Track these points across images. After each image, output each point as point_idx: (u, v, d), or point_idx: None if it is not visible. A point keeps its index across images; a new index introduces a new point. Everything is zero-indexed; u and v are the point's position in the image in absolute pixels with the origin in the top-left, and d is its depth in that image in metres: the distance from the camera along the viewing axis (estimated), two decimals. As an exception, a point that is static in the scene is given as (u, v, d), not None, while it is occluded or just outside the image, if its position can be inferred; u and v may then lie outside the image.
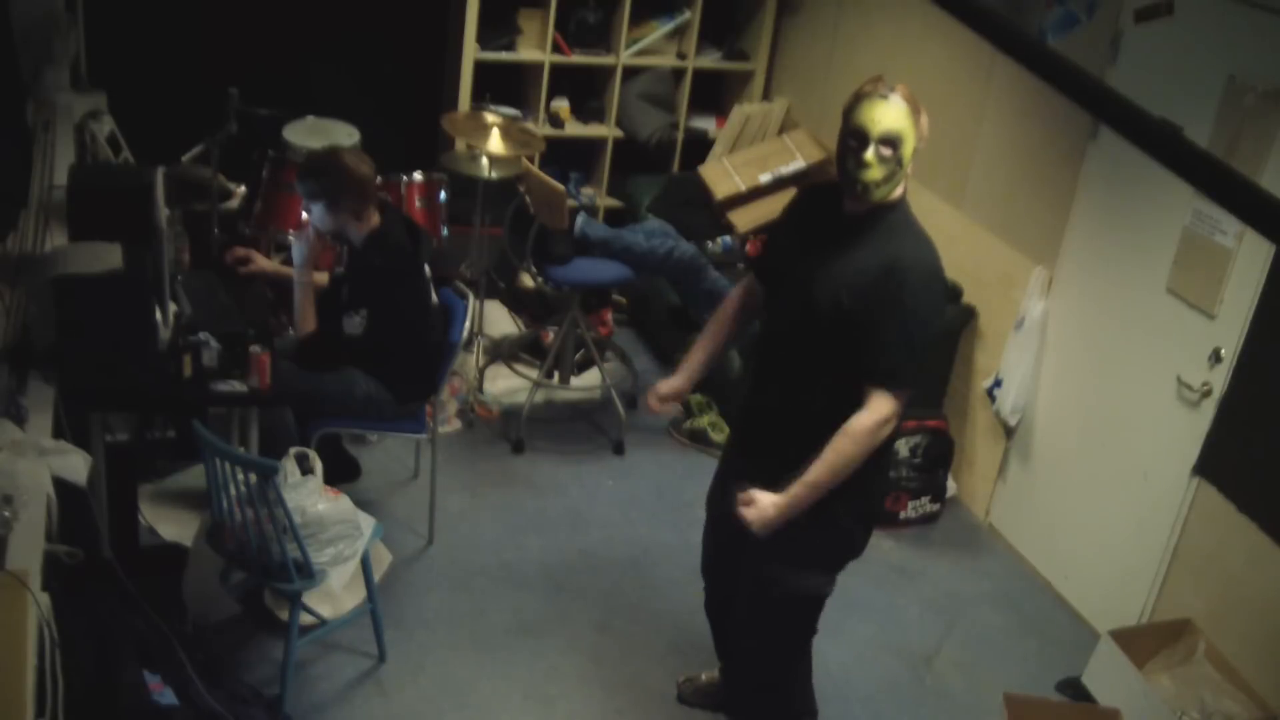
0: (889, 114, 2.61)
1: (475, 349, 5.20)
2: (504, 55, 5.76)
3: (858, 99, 2.66)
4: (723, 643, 3.46)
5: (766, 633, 3.13)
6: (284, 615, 3.52)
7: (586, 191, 6.22)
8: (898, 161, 2.64)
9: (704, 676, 3.66)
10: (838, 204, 2.77)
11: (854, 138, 2.64)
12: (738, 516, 2.83)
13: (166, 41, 5.22)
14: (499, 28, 5.71)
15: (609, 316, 5.67)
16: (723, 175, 5.67)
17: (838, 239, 2.74)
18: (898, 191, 2.72)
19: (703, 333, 3.21)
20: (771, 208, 5.56)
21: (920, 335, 2.70)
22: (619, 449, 4.92)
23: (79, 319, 3.08)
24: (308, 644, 3.57)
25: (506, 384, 5.20)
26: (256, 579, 3.42)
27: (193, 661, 2.79)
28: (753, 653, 3.22)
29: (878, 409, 2.70)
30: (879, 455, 2.92)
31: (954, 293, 4.69)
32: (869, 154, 2.62)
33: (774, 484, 2.96)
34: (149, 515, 3.93)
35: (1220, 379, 3.68)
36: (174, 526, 3.95)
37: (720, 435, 4.90)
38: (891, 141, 2.62)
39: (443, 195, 4.81)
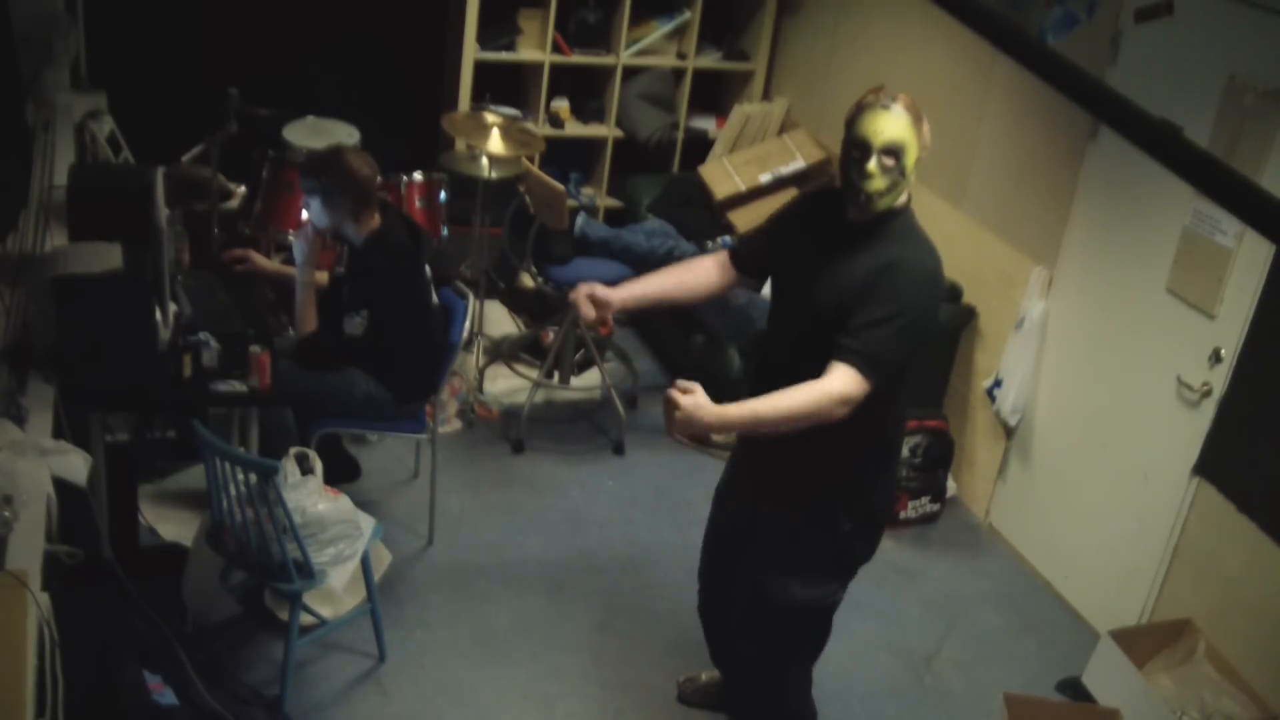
0: (891, 124, 2.61)
1: (475, 349, 5.20)
2: (504, 55, 5.76)
3: (860, 110, 2.66)
4: (716, 648, 3.44)
5: (764, 640, 3.12)
6: (284, 615, 3.52)
7: (586, 191, 6.22)
8: (900, 171, 2.64)
9: (704, 676, 3.66)
10: (841, 211, 2.76)
11: (857, 148, 2.64)
12: (671, 417, 2.63)
13: (166, 41, 5.22)
14: (499, 28, 5.71)
15: (609, 316, 5.66)
16: (723, 175, 5.67)
17: (842, 246, 2.73)
18: (901, 199, 2.72)
19: (663, 272, 3.11)
20: (771, 208, 5.55)
21: (900, 328, 2.62)
22: (619, 449, 4.92)
23: (79, 319, 3.08)
24: (308, 644, 3.57)
25: (506, 384, 5.20)
26: (256, 579, 3.42)
27: (193, 661, 2.79)
28: (751, 659, 3.20)
29: (836, 381, 2.60)
30: (878, 457, 2.91)
31: (954, 293, 4.69)
32: (872, 164, 2.62)
33: (772, 487, 2.96)
34: (149, 515, 3.93)
35: (1220, 379, 3.68)
36: (174, 526, 3.95)
37: (720, 435, 4.90)
38: (894, 152, 2.62)
39: (443, 195, 4.81)
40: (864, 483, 2.89)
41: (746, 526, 3.06)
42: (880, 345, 2.62)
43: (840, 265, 2.71)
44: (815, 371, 2.74)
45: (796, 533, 2.90)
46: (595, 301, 3.00)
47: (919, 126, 2.65)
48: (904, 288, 2.63)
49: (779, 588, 2.95)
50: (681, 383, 2.64)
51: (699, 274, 3.07)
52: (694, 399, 2.60)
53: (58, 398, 3.02)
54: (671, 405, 2.61)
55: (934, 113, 2.81)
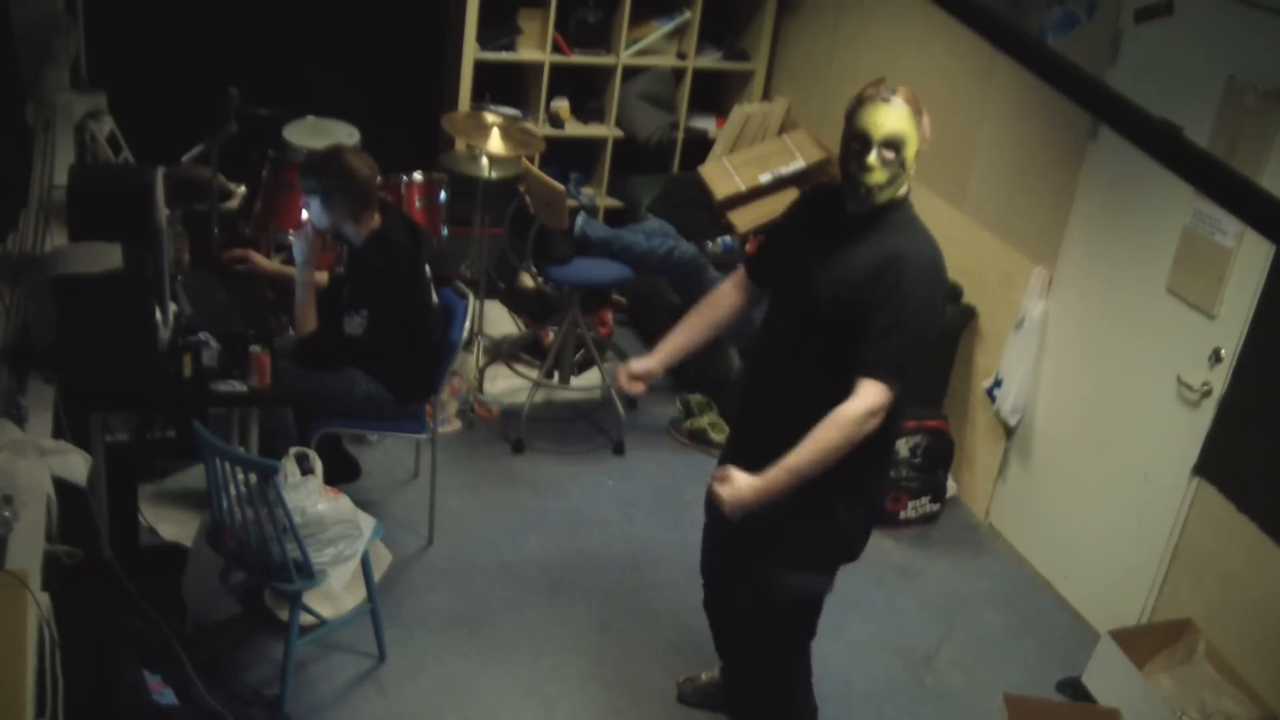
0: (891, 117, 2.62)
1: (475, 349, 5.20)
2: (504, 55, 5.76)
3: (860, 103, 2.66)
4: (722, 640, 3.46)
5: (766, 634, 3.13)
6: (284, 615, 3.52)
7: (586, 191, 6.22)
8: (900, 164, 2.65)
9: (704, 676, 3.66)
10: (841, 205, 2.77)
11: (857, 141, 2.65)
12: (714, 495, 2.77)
13: (166, 41, 5.22)
14: (499, 28, 5.71)
15: (609, 316, 5.67)
16: (723, 175, 5.67)
17: (840, 239, 2.74)
18: (901, 192, 2.72)
19: (685, 319, 3.15)
20: (771, 208, 5.56)
21: (914, 328, 2.67)
22: (619, 449, 4.92)
23: (79, 319, 3.08)
24: (308, 644, 3.57)
25: (506, 384, 5.20)
26: (256, 579, 3.42)
27: (193, 661, 2.79)
28: (752, 654, 3.22)
29: (865, 398, 2.65)
30: (878, 454, 2.91)
31: (954, 293, 4.69)
32: (872, 157, 2.62)
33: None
34: (149, 515, 3.93)
35: (1220, 379, 3.68)
36: (174, 526, 3.95)
37: (720, 435, 4.91)
38: (894, 144, 2.62)
39: (443, 195, 4.81)
40: (862, 479, 2.89)
41: (743, 521, 3.06)
42: (901, 353, 2.67)
43: (839, 258, 2.72)
44: (813, 365, 2.76)
45: (795, 527, 2.91)
46: (637, 377, 3.06)
47: (919, 119, 2.66)
48: (910, 286, 2.65)
49: (779, 581, 2.97)
50: (716, 472, 2.76)
51: (723, 305, 3.12)
52: (731, 487, 2.71)
53: (58, 398, 3.02)
54: (717, 498, 2.73)
55: (934, 113, 2.81)
